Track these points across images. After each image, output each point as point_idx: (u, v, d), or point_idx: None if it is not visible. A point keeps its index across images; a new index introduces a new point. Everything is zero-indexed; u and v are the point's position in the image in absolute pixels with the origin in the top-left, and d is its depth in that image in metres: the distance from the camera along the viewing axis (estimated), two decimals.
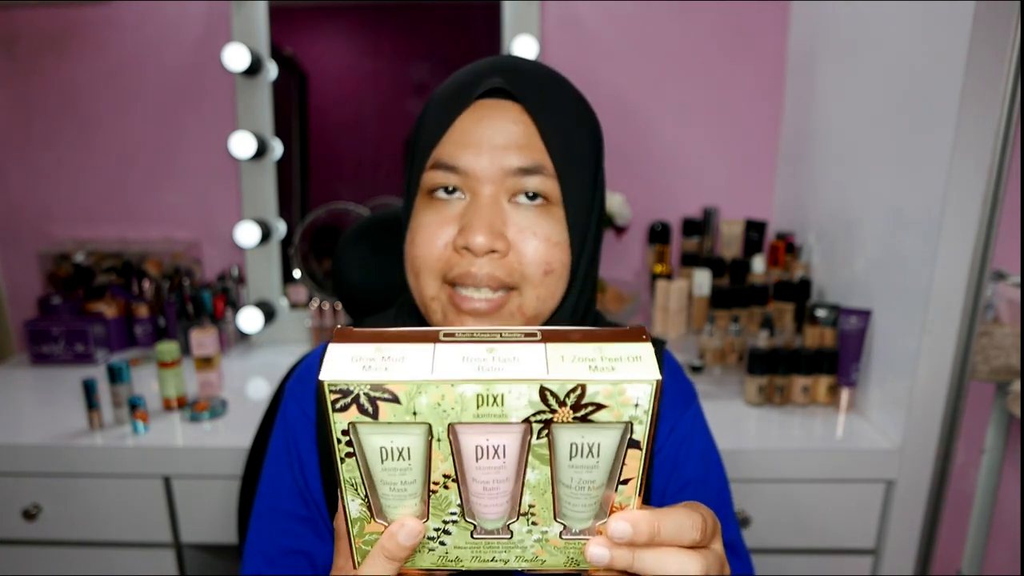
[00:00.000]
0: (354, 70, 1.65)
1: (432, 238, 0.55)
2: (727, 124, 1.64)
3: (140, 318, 1.57)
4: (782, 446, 1.12)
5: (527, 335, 0.34)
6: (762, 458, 1.11)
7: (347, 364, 0.32)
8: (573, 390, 0.31)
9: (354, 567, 0.37)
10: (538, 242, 0.54)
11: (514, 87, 0.55)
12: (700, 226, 1.65)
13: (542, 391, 0.31)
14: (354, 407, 0.32)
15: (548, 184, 0.55)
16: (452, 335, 0.34)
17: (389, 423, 0.32)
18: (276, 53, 1.58)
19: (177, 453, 1.12)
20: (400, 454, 0.33)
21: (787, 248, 1.50)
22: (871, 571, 1.19)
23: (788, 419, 1.22)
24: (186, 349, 1.50)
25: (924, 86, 1.05)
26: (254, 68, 1.49)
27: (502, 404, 0.31)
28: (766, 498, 1.14)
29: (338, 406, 0.32)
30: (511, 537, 0.37)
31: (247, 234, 1.51)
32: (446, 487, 0.35)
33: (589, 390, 0.31)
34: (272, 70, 1.56)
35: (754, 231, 1.61)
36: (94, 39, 1.59)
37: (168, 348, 1.22)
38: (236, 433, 1.16)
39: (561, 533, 0.37)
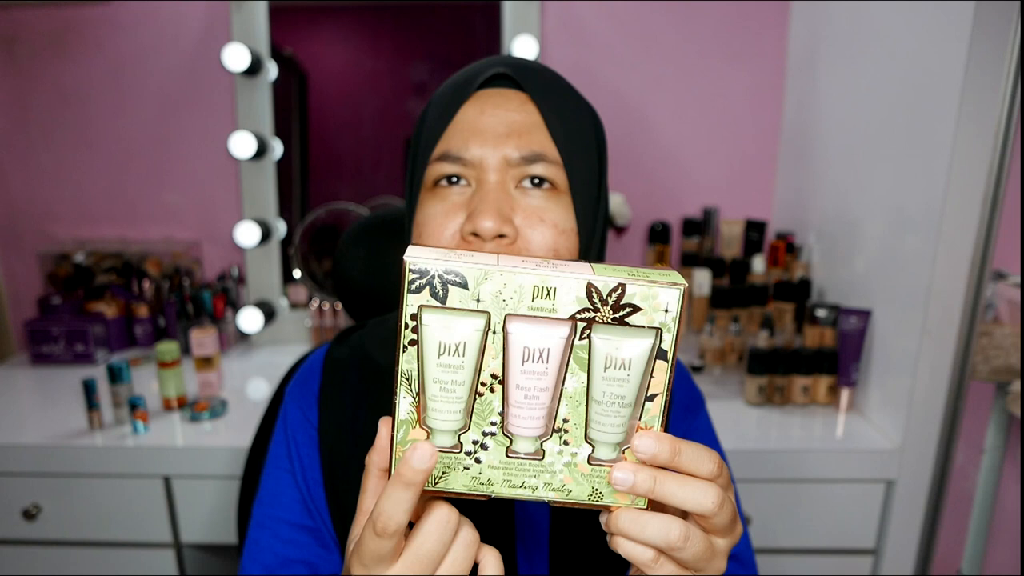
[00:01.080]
0: (354, 70, 1.65)
1: (440, 228, 0.54)
2: (727, 124, 1.64)
3: (140, 318, 1.58)
4: (782, 446, 1.12)
5: (574, 261, 0.40)
6: (762, 458, 1.11)
7: (426, 254, 0.37)
8: (615, 289, 0.36)
9: (391, 464, 0.38)
10: (545, 228, 0.53)
11: (516, 74, 0.55)
12: (700, 226, 1.65)
13: (588, 287, 0.36)
14: (427, 290, 0.36)
15: (553, 170, 0.54)
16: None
17: (454, 309, 0.36)
18: (276, 53, 1.58)
19: (177, 453, 1.12)
20: (456, 349, 0.37)
21: (787, 248, 1.50)
22: (871, 571, 1.19)
23: (788, 419, 1.22)
24: (186, 349, 1.50)
25: (924, 86, 1.05)
26: (254, 68, 1.49)
27: (554, 298, 0.36)
28: (766, 498, 1.14)
29: (414, 287, 0.35)
30: (542, 459, 0.39)
31: (247, 234, 1.51)
32: (492, 390, 0.38)
33: (628, 290, 0.36)
34: (272, 70, 1.56)
35: (754, 231, 1.61)
36: (94, 39, 1.59)
37: (168, 348, 1.22)
38: (236, 433, 1.16)
39: (589, 458, 0.39)
